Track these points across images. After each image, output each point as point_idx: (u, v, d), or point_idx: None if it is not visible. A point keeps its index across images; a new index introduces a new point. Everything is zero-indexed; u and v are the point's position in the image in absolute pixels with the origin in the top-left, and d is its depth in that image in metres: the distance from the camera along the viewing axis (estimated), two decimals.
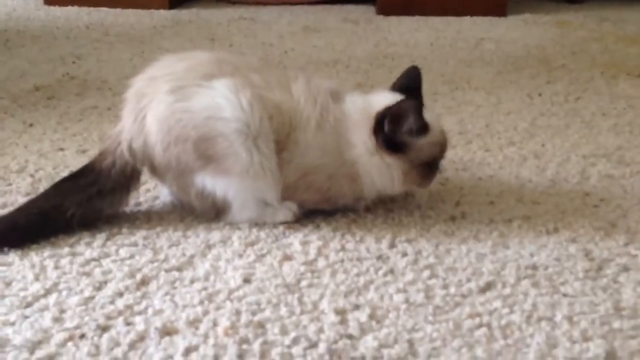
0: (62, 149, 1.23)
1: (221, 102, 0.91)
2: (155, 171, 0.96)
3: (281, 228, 0.97)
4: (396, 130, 0.95)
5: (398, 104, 0.94)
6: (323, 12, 2.71)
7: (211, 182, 0.93)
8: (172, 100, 0.92)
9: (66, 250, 0.89)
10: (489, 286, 0.83)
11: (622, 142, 1.31)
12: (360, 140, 0.97)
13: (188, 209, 1.00)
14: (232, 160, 0.92)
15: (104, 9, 2.59)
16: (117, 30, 2.24)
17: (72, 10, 2.54)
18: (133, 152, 0.94)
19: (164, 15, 2.54)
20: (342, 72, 1.80)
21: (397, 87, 1.03)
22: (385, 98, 0.99)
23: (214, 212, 0.97)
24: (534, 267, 0.88)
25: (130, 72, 1.73)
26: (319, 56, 1.97)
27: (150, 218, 0.99)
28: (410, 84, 1.02)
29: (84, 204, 0.92)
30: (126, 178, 0.95)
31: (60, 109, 1.45)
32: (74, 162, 1.16)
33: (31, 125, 1.35)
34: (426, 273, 0.86)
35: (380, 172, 0.97)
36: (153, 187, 1.08)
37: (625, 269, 0.87)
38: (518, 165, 1.21)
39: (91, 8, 2.59)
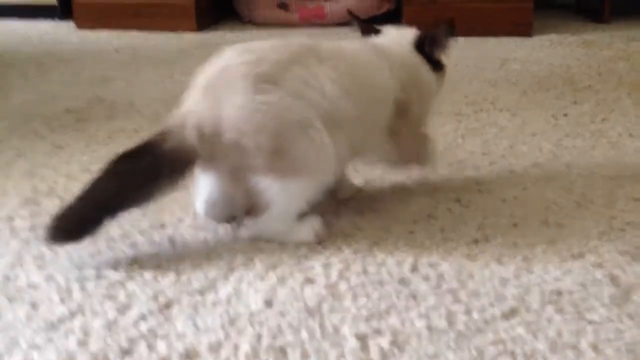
0: (89, 172, 1.26)
1: (301, 90, 0.93)
2: (212, 158, 0.93)
3: (303, 250, 0.97)
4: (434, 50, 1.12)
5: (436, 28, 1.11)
6: (348, 33, 2.73)
7: (269, 181, 0.92)
8: (253, 90, 0.91)
9: (92, 272, 0.90)
10: (512, 312, 0.82)
11: None
12: None
13: (222, 202, 1.00)
14: (306, 154, 0.92)
15: (134, 32, 2.65)
16: (146, 53, 2.29)
17: (102, 34, 2.61)
18: (201, 136, 0.91)
19: (191, 37, 2.59)
20: None
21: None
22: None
23: (248, 211, 0.97)
24: (559, 293, 0.86)
25: (157, 94, 1.78)
26: None
27: (174, 241, 1.00)
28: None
29: (141, 188, 0.90)
30: (184, 162, 0.92)
31: (89, 131, 1.49)
32: None
33: (60, 147, 1.39)
34: (448, 298, 0.86)
35: None
36: (179, 207, 1.10)
37: None
38: (543, 186, 1.20)
39: (121, 31, 2.66)
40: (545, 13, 3.10)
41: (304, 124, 0.93)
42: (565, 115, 1.62)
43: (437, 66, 1.14)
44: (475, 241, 1.01)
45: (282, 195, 0.94)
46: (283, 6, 2.92)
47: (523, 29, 2.62)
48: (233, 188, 0.97)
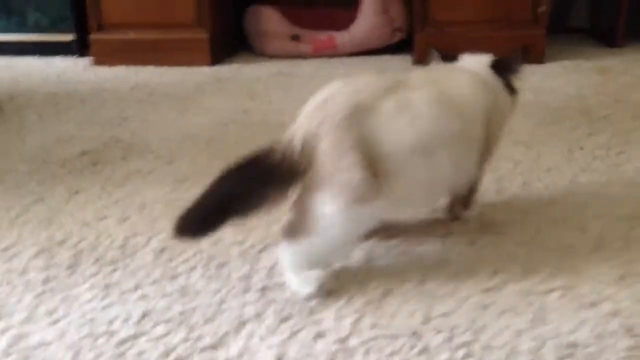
0: (104, 217, 1.27)
1: (396, 115, 0.99)
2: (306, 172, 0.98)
3: (315, 301, 0.97)
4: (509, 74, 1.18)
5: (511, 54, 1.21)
6: (360, 63, 2.75)
7: (331, 208, 0.95)
8: (352, 112, 0.97)
9: (103, 328, 0.91)
10: None
11: None
12: None
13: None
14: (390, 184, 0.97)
15: (150, 68, 2.68)
16: (161, 89, 2.32)
17: (120, 70, 2.65)
18: (305, 151, 0.97)
19: (206, 72, 2.62)
20: None
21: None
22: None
23: (296, 234, 0.99)
24: (574, 346, 0.85)
25: (172, 132, 1.80)
26: None
27: (186, 292, 1.01)
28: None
29: (254, 195, 0.97)
30: (291, 173, 0.97)
31: (105, 173, 1.50)
32: (115, 232, 1.20)
33: (77, 192, 1.40)
34: (461, 352, 0.85)
35: None
36: (191, 256, 1.10)
37: None
38: (558, 228, 1.19)
39: (138, 67, 2.69)
40: (557, 38, 3.09)
41: (392, 155, 0.98)
42: (581, 148, 1.60)
43: (512, 90, 1.20)
44: (489, 289, 1.00)
45: (337, 225, 0.97)
46: (295, 38, 2.95)
47: (535, 56, 2.61)
48: (302, 206, 0.99)
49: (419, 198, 1.07)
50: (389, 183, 0.97)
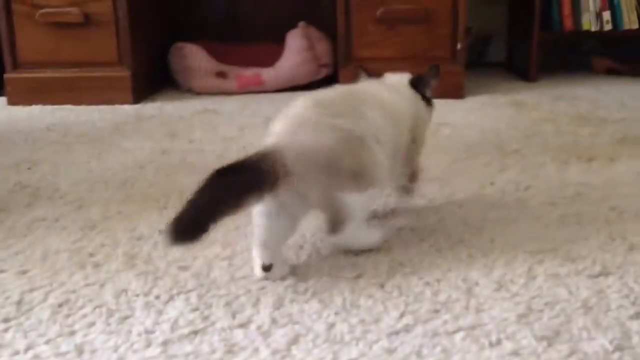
0: (2, 271, 1.20)
1: (357, 121, 1.20)
2: (304, 179, 1.14)
3: (219, 353, 0.94)
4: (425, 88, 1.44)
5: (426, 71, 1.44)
6: (287, 99, 2.73)
7: (352, 196, 1.17)
8: (328, 126, 1.17)
9: None
10: None
11: (569, 235, 1.32)
12: None
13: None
14: (375, 170, 1.20)
15: (68, 107, 2.61)
16: (77, 130, 2.26)
17: (35, 110, 2.57)
18: (295, 161, 1.12)
19: (127, 111, 2.57)
20: None
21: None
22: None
23: (332, 227, 1.20)
24: None
25: (83, 176, 1.74)
26: None
27: (82, 350, 0.96)
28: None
29: (239, 199, 1.08)
30: (275, 181, 1.10)
31: (7, 223, 1.43)
32: (12, 287, 1.14)
33: None
34: None
35: None
36: (91, 311, 1.06)
37: None
38: (467, 266, 1.20)
39: (55, 106, 2.62)
40: (477, 72, 3.21)
41: (368, 145, 1.19)
42: (492, 184, 1.65)
43: (428, 102, 1.46)
44: (397, 332, 0.99)
45: (362, 205, 1.20)
46: (221, 74, 2.94)
47: (455, 92, 2.69)
48: (323, 205, 1.19)
49: (384, 179, 1.26)
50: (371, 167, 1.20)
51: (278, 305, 1.08)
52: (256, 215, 1.17)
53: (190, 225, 1.05)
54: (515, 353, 0.93)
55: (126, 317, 1.04)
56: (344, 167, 1.15)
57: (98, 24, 2.68)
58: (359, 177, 1.17)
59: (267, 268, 1.15)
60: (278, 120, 1.21)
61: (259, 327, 1.01)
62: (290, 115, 1.20)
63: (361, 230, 1.23)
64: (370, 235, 1.26)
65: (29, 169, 1.81)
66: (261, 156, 1.12)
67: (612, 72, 3.15)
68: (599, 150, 1.89)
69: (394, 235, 1.34)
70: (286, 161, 1.11)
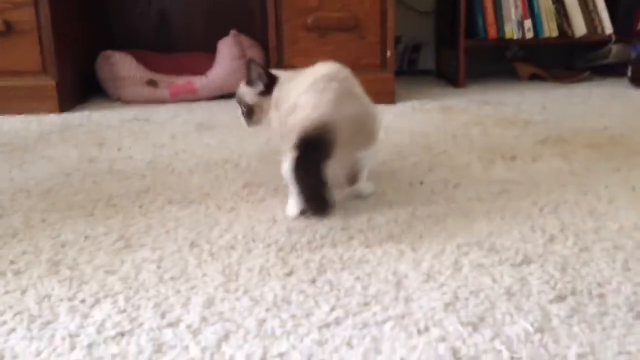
0: None
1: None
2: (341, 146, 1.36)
3: (147, 353, 0.92)
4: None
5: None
6: (219, 107, 2.75)
7: (369, 151, 1.49)
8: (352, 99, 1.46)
9: None
10: None
11: (494, 228, 1.36)
12: None
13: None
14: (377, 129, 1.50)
15: None
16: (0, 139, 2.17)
17: None
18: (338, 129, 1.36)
19: (53, 120, 2.49)
20: (230, 172, 1.80)
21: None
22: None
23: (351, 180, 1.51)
24: None
25: (4, 186, 1.68)
26: (210, 156, 1.97)
27: (2, 356, 0.92)
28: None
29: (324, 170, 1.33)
30: (334, 148, 1.36)
31: None
32: None
33: None
34: None
35: None
36: (11, 317, 1.01)
37: None
38: (396, 260, 1.23)
39: None
40: (408, 79, 3.29)
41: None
42: (422, 183, 1.69)
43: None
44: (327, 325, 1.00)
45: (373, 158, 1.53)
46: (152, 83, 2.90)
47: (387, 97, 2.75)
48: (343, 168, 1.46)
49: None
50: None
51: (208, 304, 1.07)
52: (290, 171, 1.34)
53: (324, 200, 1.32)
54: (442, 339, 0.95)
55: (49, 322, 1.00)
56: (374, 128, 1.47)
57: (20, 32, 2.60)
58: (375, 135, 1.48)
59: (303, 212, 1.41)
60: (306, 94, 1.41)
61: (188, 326, 0.99)
62: (323, 89, 1.40)
63: (366, 179, 1.53)
64: (370, 184, 1.57)
65: None
66: (324, 128, 1.34)
67: (535, 77, 3.29)
68: (522, 150, 1.97)
69: (325, 235, 1.35)
70: (341, 130, 1.35)
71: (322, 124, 1.35)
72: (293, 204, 1.43)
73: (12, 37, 2.59)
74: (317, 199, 1.33)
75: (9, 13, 2.57)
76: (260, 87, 1.57)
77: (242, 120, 1.63)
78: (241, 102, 1.62)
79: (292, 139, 1.37)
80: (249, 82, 1.59)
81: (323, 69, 1.49)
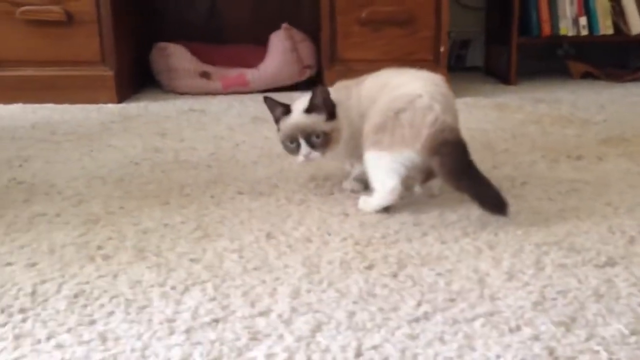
0: (10, 264, 1.18)
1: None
2: None
3: (244, 340, 0.94)
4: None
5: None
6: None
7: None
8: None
9: None
10: None
11: (571, 228, 1.35)
12: None
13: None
14: None
15: (50, 106, 2.57)
16: (64, 128, 2.22)
17: (16, 108, 2.52)
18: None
19: (112, 109, 2.54)
20: (294, 165, 1.81)
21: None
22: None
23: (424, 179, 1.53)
24: None
25: (78, 173, 1.72)
26: (270, 148, 1.99)
27: (105, 338, 0.95)
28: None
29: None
30: None
31: (7, 217, 1.41)
32: (22, 279, 1.12)
33: None
34: None
35: None
36: (108, 301, 1.04)
37: None
38: (474, 257, 1.23)
39: (37, 105, 2.57)
40: (457, 75, 3.26)
41: None
42: None
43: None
44: (417, 319, 1.01)
45: None
46: (205, 75, 2.93)
47: None
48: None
49: None
50: None
51: (295, 295, 1.08)
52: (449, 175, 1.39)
53: (501, 197, 1.34)
54: (535, 338, 0.95)
55: (144, 307, 1.03)
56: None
57: (80, 23, 2.65)
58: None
59: (386, 208, 1.46)
60: (416, 82, 1.45)
61: (279, 316, 1.01)
62: (443, 93, 1.44)
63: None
64: (439, 182, 1.55)
65: (20, 165, 1.78)
66: (457, 130, 1.42)
67: (588, 75, 3.24)
68: (586, 149, 1.95)
69: (398, 230, 1.36)
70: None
71: (455, 127, 1.41)
72: (377, 198, 1.44)
73: (72, 28, 2.64)
74: (494, 198, 1.33)
75: (70, 4, 2.62)
76: (324, 113, 1.47)
77: (313, 154, 1.47)
78: (311, 133, 1.46)
79: (410, 135, 1.38)
80: (312, 109, 1.47)
81: (413, 74, 1.50)
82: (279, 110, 1.51)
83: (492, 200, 1.34)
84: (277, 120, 1.53)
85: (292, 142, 1.48)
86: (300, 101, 1.52)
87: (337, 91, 1.55)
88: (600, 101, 2.69)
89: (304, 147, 1.46)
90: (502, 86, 3.09)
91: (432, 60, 2.80)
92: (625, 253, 1.23)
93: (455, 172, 1.36)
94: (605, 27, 3.07)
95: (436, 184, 1.54)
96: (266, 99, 1.53)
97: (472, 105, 2.63)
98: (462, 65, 3.58)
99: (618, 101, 2.71)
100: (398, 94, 1.43)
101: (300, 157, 1.48)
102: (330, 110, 1.48)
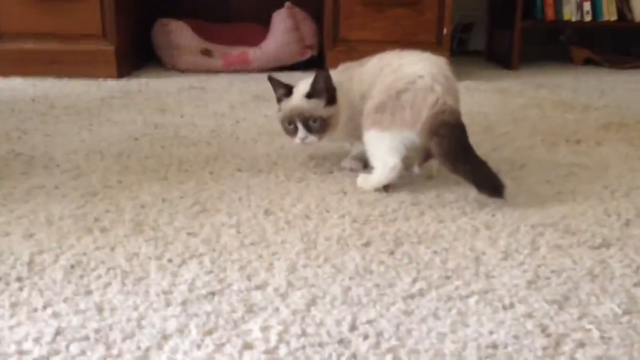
0: (7, 234, 1.19)
1: None
2: None
3: (239, 312, 0.95)
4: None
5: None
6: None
7: None
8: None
9: (12, 348, 0.84)
10: None
11: (567, 210, 1.36)
12: None
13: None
14: None
15: (50, 80, 2.56)
16: (63, 102, 2.22)
17: (16, 82, 2.51)
18: None
19: (112, 85, 2.53)
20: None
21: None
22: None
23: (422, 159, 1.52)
24: (494, 346, 0.88)
25: (77, 146, 1.72)
26: (271, 126, 1.98)
27: (101, 308, 0.95)
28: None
29: None
30: None
31: (5, 189, 1.41)
32: (20, 248, 1.12)
33: None
34: (389, 357, 0.85)
35: None
36: (105, 272, 1.05)
37: (581, 344, 0.89)
38: (471, 236, 1.23)
39: (36, 79, 2.56)
40: (459, 59, 3.24)
41: None
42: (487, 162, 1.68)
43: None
44: (412, 296, 1.01)
45: None
46: (206, 52, 2.92)
47: None
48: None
49: None
50: None
51: (292, 269, 1.09)
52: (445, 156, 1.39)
53: (498, 180, 1.34)
54: (529, 315, 0.96)
55: (141, 278, 1.04)
56: None
57: None
58: None
59: (386, 188, 1.46)
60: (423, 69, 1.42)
61: (276, 290, 1.02)
62: (445, 76, 1.44)
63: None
64: (437, 162, 1.52)
65: (19, 138, 1.78)
66: (458, 113, 1.41)
67: (589, 62, 3.23)
68: (585, 134, 1.95)
69: (397, 209, 1.36)
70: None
71: (456, 109, 1.41)
72: (377, 175, 1.44)
73: (74, 1, 2.62)
74: (491, 180, 1.34)
75: None
76: (324, 98, 1.47)
77: (309, 138, 1.48)
78: (308, 118, 1.47)
79: (410, 114, 1.39)
80: (313, 94, 1.48)
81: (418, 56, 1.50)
82: (282, 90, 1.53)
83: (489, 183, 1.34)
84: (279, 100, 1.55)
85: (290, 124, 1.49)
86: (302, 83, 1.53)
87: (340, 73, 1.56)
88: (601, 87, 2.68)
89: (301, 131, 1.48)
90: (503, 71, 3.07)
91: (435, 42, 2.78)
92: (621, 235, 1.24)
93: (452, 154, 1.36)
94: (609, 13, 3.06)
95: (435, 164, 1.54)
96: (270, 78, 1.55)
97: (473, 89, 2.63)
98: (464, 49, 3.56)
99: (619, 87, 2.71)
100: (400, 75, 1.43)
101: (296, 140, 1.49)
102: (330, 95, 1.49)
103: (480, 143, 1.84)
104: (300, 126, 1.48)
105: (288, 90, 1.53)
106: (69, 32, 2.66)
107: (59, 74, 2.61)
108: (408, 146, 1.42)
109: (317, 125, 1.48)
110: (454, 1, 2.77)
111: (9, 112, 2.06)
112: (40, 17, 2.63)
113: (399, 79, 1.42)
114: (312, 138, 1.49)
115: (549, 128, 2.02)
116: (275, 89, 1.55)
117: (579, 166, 1.65)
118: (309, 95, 1.48)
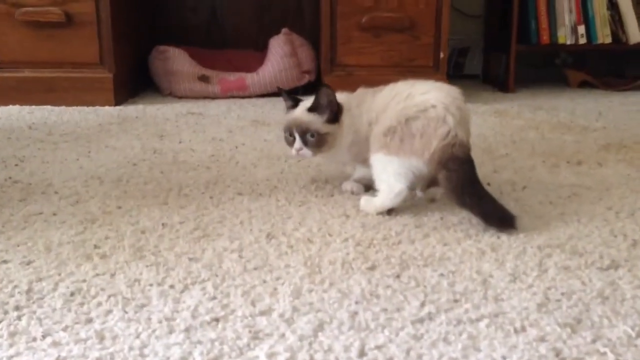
0: (5, 261, 1.16)
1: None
2: None
3: (245, 339, 0.92)
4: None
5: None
6: (270, 104, 2.75)
7: None
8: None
9: None
10: None
11: (573, 231, 1.34)
12: None
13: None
14: None
15: (48, 107, 2.55)
16: (61, 129, 2.20)
17: (13, 110, 2.50)
18: None
19: (109, 112, 2.52)
20: (294, 167, 1.80)
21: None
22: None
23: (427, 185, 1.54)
24: None
25: (76, 173, 1.70)
26: (270, 150, 1.98)
27: (102, 336, 0.93)
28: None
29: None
30: None
31: (2, 216, 1.38)
32: (18, 276, 1.10)
33: None
34: None
35: None
36: (105, 299, 1.02)
37: None
38: (477, 259, 1.21)
39: (34, 106, 2.55)
40: (455, 83, 3.24)
41: None
42: (489, 184, 1.67)
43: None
44: (421, 320, 0.99)
45: None
46: (204, 79, 2.92)
47: None
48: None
49: None
50: None
51: (297, 294, 1.07)
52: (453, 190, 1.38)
53: (507, 212, 1.33)
54: (541, 339, 0.94)
55: (143, 305, 1.01)
56: None
57: (80, 24, 2.63)
58: None
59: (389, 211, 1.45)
60: (431, 93, 1.43)
61: (281, 315, 1.00)
62: (458, 106, 1.45)
63: None
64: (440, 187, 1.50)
65: (16, 165, 1.76)
66: (468, 147, 1.41)
67: (585, 84, 3.25)
68: (586, 155, 1.94)
69: (400, 232, 1.34)
70: None
71: (466, 143, 1.41)
72: (382, 199, 1.43)
73: (71, 29, 2.63)
74: (499, 212, 1.33)
75: (70, 5, 2.61)
76: (327, 114, 1.49)
77: (304, 150, 1.50)
78: (306, 131, 1.49)
79: (420, 145, 1.38)
80: (315, 109, 1.50)
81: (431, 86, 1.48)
82: (290, 102, 1.58)
83: (497, 215, 1.33)
84: (286, 111, 1.60)
85: (289, 135, 1.53)
86: (310, 98, 1.55)
87: (352, 96, 1.57)
88: (598, 109, 2.69)
89: (297, 142, 1.50)
90: (500, 94, 3.09)
91: (432, 66, 2.80)
92: (629, 256, 1.22)
93: (460, 189, 1.35)
94: (604, 35, 3.08)
95: (439, 190, 1.53)
96: (281, 90, 1.63)
97: (471, 111, 2.62)
98: (460, 73, 3.58)
99: (616, 109, 2.72)
100: (411, 102, 1.43)
101: (292, 151, 1.52)
102: (333, 112, 1.49)
103: (480, 165, 1.82)
104: (297, 137, 1.50)
105: (295, 103, 1.57)
106: (67, 60, 2.66)
107: (57, 101, 2.61)
108: (415, 174, 1.41)
109: (314, 140, 1.49)
110: (450, 26, 2.79)
111: (6, 139, 2.04)
112: (37, 44, 2.63)
113: (410, 106, 1.42)
114: (306, 151, 1.51)
115: (548, 149, 2.02)
116: (285, 100, 1.60)
117: (581, 187, 1.64)
118: (311, 109, 1.51)
